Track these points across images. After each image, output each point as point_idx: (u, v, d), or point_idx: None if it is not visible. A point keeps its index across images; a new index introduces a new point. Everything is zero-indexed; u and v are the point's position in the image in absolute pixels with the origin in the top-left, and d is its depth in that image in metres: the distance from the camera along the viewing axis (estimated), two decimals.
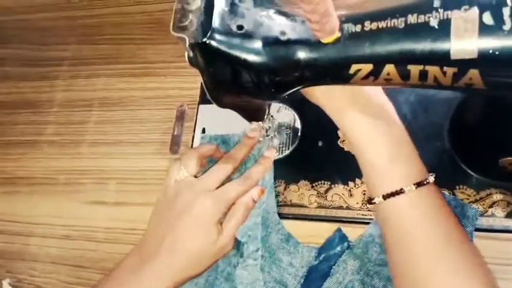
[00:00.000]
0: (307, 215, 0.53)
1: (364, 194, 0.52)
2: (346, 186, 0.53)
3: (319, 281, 0.48)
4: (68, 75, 0.72)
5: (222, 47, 0.35)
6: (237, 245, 0.49)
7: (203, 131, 0.59)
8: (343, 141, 0.55)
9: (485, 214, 0.47)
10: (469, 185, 0.49)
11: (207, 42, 0.34)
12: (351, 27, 0.34)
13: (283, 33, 0.36)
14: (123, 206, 0.61)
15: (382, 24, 0.33)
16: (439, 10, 0.32)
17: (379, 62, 0.34)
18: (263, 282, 0.48)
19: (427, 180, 0.39)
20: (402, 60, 0.33)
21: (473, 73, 0.32)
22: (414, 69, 0.33)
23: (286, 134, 0.57)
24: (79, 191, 0.64)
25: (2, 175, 0.68)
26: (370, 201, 0.41)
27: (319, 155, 0.55)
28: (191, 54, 0.35)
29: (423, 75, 0.33)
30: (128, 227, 0.59)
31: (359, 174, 0.52)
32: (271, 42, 0.36)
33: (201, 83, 0.60)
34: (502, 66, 0.31)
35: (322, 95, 0.40)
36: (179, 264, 0.43)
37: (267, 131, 0.55)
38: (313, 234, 0.52)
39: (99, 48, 0.72)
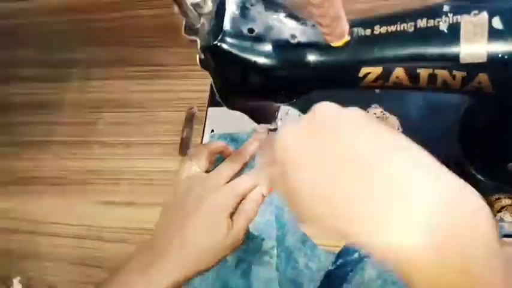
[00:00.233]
0: None
1: None
2: None
3: (335, 286, 0.48)
4: (81, 77, 0.73)
5: (233, 50, 0.35)
6: (253, 241, 0.50)
7: (212, 132, 0.60)
8: None
9: (493, 219, 0.47)
10: (478, 190, 0.49)
11: (219, 44, 0.35)
12: (360, 31, 0.35)
13: (293, 36, 0.36)
14: (133, 207, 0.61)
15: (391, 28, 0.34)
16: (449, 14, 0.32)
17: (388, 65, 0.34)
18: (278, 281, 0.48)
19: None
20: (411, 63, 0.34)
21: (482, 77, 0.32)
22: (423, 73, 0.33)
23: None
24: (90, 191, 0.65)
25: (16, 174, 0.69)
26: None
27: None
28: (202, 56, 0.35)
29: (432, 78, 0.33)
30: (138, 227, 0.60)
31: None
32: (282, 45, 0.36)
33: (211, 86, 0.62)
34: (511, 70, 0.31)
35: None
36: (189, 260, 0.43)
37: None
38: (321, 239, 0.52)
39: (111, 50, 0.73)
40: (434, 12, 0.33)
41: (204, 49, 0.35)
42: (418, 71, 0.33)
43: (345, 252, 0.50)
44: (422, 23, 0.33)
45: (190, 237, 0.43)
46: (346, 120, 0.29)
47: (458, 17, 0.32)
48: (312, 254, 0.51)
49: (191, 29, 0.35)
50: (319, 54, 0.36)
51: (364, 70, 0.35)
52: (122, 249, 0.59)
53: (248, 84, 0.38)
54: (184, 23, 0.35)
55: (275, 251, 0.49)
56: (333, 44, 0.35)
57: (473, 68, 0.32)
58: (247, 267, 0.51)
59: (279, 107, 0.52)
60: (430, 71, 0.33)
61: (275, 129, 0.55)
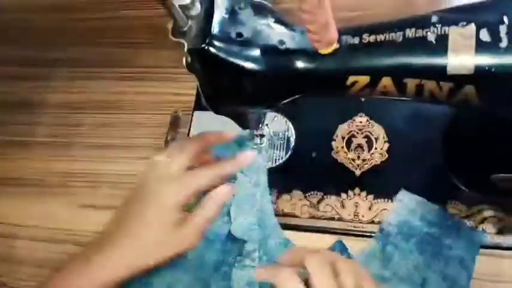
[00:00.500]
0: (299, 225, 0.53)
1: (357, 206, 0.52)
2: (338, 198, 0.53)
3: None
4: (65, 76, 0.71)
5: (221, 54, 0.35)
6: (234, 243, 0.49)
7: None
8: (336, 152, 0.55)
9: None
10: (461, 200, 0.49)
11: (206, 48, 0.34)
12: (349, 39, 0.35)
13: (282, 42, 0.36)
14: (114, 211, 0.60)
15: (380, 37, 0.34)
16: (437, 25, 0.32)
17: (376, 74, 0.34)
18: (258, 285, 0.47)
19: None
20: (399, 73, 0.34)
21: (469, 89, 0.32)
22: (411, 83, 0.33)
23: (280, 143, 0.57)
24: (70, 194, 0.63)
25: None
26: None
27: (312, 166, 0.55)
28: (189, 59, 0.35)
29: (419, 89, 0.33)
30: None
31: (351, 186, 0.53)
32: (270, 51, 0.36)
33: (197, 89, 0.61)
34: (497, 83, 0.31)
35: None
36: (133, 251, 0.40)
37: (260, 139, 0.55)
38: (305, 244, 0.52)
39: (97, 51, 0.71)
40: (422, 22, 0.33)
41: (191, 52, 0.34)
42: (405, 81, 0.33)
43: None
44: (410, 32, 0.33)
45: (135, 229, 0.41)
46: None
47: (447, 28, 0.32)
48: None
49: (178, 32, 0.34)
50: (307, 61, 0.36)
51: (351, 78, 0.35)
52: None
53: (235, 89, 0.37)
54: (171, 25, 0.34)
55: (257, 253, 0.48)
56: (321, 51, 0.35)
57: (460, 80, 0.32)
58: (228, 270, 0.50)
59: (265, 112, 0.52)
60: (418, 81, 0.33)
61: (261, 135, 0.55)
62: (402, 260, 0.48)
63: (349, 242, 0.50)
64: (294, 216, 0.53)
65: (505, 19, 0.30)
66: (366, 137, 0.55)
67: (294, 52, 0.36)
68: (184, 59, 0.35)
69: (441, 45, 0.32)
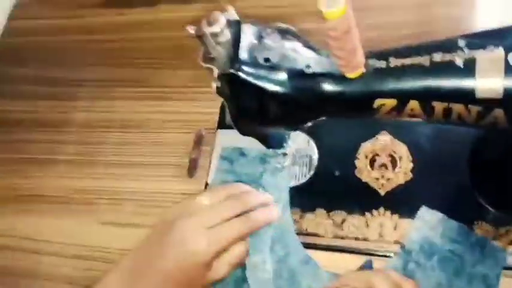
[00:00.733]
0: (323, 244, 0.53)
1: (381, 226, 0.51)
2: (362, 217, 0.52)
3: None
4: (89, 96, 0.73)
5: (249, 78, 0.35)
6: None
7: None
8: (360, 171, 0.55)
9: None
10: (488, 221, 0.49)
11: (235, 73, 0.35)
12: (375, 63, 0.35)
13: (308, 66, 0.37)
14: (138, 228, 0.61)
15: (407, 61, 0.34)
16: (464, 49, 0.33)
17: (403, 97, 0.35)
18: None
19: None
20: (426, 97, 0.34)
21: (498, 112, 0.32)
22: (438, 106, 0.34)
23: (303, 161, 0.58)
24: (94, 211, 0.64)
25: (18, 192, 0.69)
26: None
27: (335, 184, 0.55)
28: (219, 84, 0.36)
29: (447, 112, 0.34)
30: None
31: (376, 205, 0.52)
32: (297, 75, 0.37)
33: (221, 108, 0.62)
34: None
35: None
36: None
37: (283, 158, 0.56)
38: (328, 264, 0.51)
39: (120, 71, 0.73)
40: (449, 46, 0.33)
41: (220, 77, 0.35)
42: (433, 104, 0.34)
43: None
44: (437, 57, 0.33)
45: (169, 271, 0.43)
46: None
47: (474, 52, 0.32)
48: (315, 275, 0.50)
49: (208, 58, 0.35)
50: (333, 85, 0.36)
51: (378, 101, 0.35)
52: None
53: (263, 112, 0.38)
54: (202, 51, 0.35)
55: (267, 265, 0.48)
56: (348, 76, 0.35)
57: (489, 103, 0.32)
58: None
59: (289, 132, 0.52)
60: (445, 105, 0.33)
61: (284, 154, 0.55)
62: (424, 277, 0.47)
63: (376, 262, 0.50)
64: (318, 235, 0.53)
65: None
66: (390, 156, 0.54)
67: (320, 76, 0.36)
68: (213, 84, 0.36)
69: (469, 69, 0.32)
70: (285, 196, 0.53)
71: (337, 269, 0.51)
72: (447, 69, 0.33)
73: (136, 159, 0.65)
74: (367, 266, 0.50)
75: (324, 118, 0.41)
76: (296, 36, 0.38)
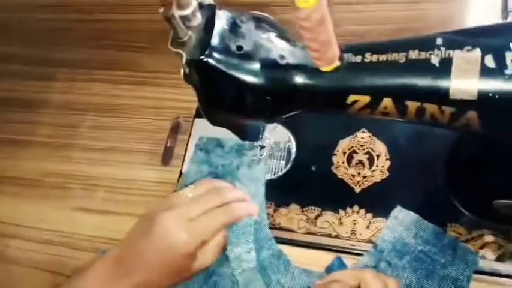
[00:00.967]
0: (295, 240, 0.52)
1: (354, 224, 0.51)
2: (336, 214, 0.52)
3: None
4: (67, 77, 0.71)
5: (220, 66, 0.34)
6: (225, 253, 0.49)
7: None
8: (337, 167, 0.54)
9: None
10: (461, 224, 0.48)
11: (205, 59, 0.34)
12: (350, 58, 0.34)
13: (282, 57, 0.35)
14: (109, 215, 0.60)
15: (382, 57, 0.33)
16: (441, 48, 0.32)
17: (376, 94, 0.34)
18: None
19: None
20: (400, 95, 0.33)
21: (472, 114, 0.31)
22: (412, 105, 0.33)
23: (281, 155, 0.57)
24: (66, 196, 0.62)
25: None
26: None
27: (311, 180, 0.54)
28: (187, 70, 0.34)
29: (420, 111, 0.33)
30: (111, 236, 0.58)
31: (350, 203, 0.52)
32: (270, 65, 0.35)
33: None
34: (501, 110, 0.30)
35: None
36: (156, 282, 0.44)
37: (260, 150, 0.55)
38: (299, 260, 0.51)
39: (100, 53, 0.71)
40: (427, 44, 0.32)
41: (189, 63, 0.34)
42: (407, 103, 0.33)
43: (324, 274, 0.49)
44: (414, 54, 0.32)
45: (154, 263, 0.44)
46: None
47: (451, 51, 0.31)
48: (285, 270, 0.50)
49: (177, 42, 0.34)
50: (307, 77, 0.35)
51: (352, 97, 0.34)
52: (92, 258, 0.57)
53: (233, 102, 0.37)
54: (171, 35, 0.34)
55: (252, 253, 0.48)
56: (322, 69, 0.34)
57: (462, 105, 0.31)
58: (218, 280, 0.50)
59: (264, 125, 0.51)
60: (419, 104, 0.32)
61: (261, 146, 0.54)
62: (395, 277, 0.47)
63: (346, 260, 0.49)
64: (291, 230, 0.52)
65: None
66: (368, 153, 0.54)
67: (294, 67, 0.35)
68: (181, 70, 0.34)
69: (445, 69, 0.31)
70: (262, 190, 0.52)
71: (308, 265, 0.50)
72: (422, 67, 0.32)
73: (111, 144, 0.64)
74: (338, 264, 0.49)
75: (300, 111, 0.40)
76: (272, 25, 0.36)
